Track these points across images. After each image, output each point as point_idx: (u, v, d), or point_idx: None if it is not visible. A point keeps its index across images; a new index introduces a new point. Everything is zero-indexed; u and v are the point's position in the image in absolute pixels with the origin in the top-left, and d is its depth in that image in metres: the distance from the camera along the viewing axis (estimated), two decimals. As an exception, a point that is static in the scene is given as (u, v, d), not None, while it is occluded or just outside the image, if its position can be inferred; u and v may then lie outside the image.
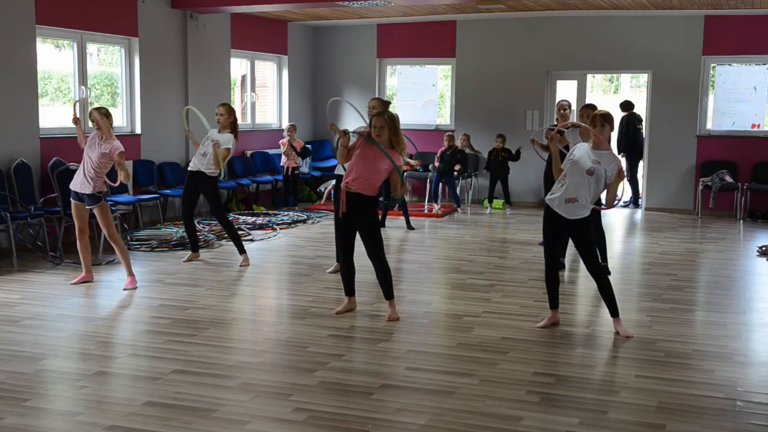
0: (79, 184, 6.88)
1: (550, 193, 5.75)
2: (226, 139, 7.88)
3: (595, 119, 5.71)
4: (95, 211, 6.92)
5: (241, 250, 8.02)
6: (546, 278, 5.84)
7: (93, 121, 6.84)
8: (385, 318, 5.97)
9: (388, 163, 5.75)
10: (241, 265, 7.92)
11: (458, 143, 12.17)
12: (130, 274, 7.02)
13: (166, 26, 10.57)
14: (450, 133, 12.17)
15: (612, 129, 5.80)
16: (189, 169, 8.03)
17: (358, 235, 6.01)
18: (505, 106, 12.81)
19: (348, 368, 4.92)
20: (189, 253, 8.24)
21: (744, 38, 11.62)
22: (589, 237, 5.64)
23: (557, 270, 5.88)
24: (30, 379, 4.67)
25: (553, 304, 5.86)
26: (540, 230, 8.61)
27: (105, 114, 6.83)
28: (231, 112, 7.97)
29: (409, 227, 10.24)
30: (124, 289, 6.90)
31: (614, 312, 5.64)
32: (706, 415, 4.20)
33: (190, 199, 8.10)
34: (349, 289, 6.16)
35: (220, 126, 7.95)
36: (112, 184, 7.05)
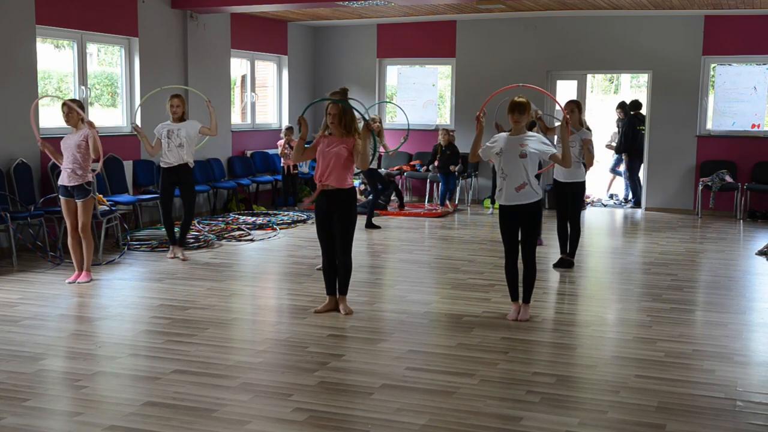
0: (67, 177, 7.09)
1: (497, 192, 5.95)
2: (195, 125, 8.18)
3: (511, 107, 6.04)
4: (79, 204, 7.10)
5: (182, 243, 8.27)
6: (506, 270, 6.03)
7: (70, 112, 7.09)
8: (342, 313, 6.09)
9: (346, 144, 5.92)
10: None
11: (442, 140, 11.96)
12: (88, 269, 7.20)
13: (166, 26, 10.56)
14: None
15: (528, 118, 6.09)
16: (167, 165, 8.08)
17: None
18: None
19: (348, 368, 4.92)
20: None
21: (744, 38, 11.62)
22: (538, 226, 5.98)
23: (516, 263, 6.00)
24: (30, 379, 4.67)
25: (515, 295, 6.05)
26: (541, 230, 8.65)
27: (80, 105, 7.26)
28: (184, 102, 8.26)
29: (370, 226, 10.23)
30: (74, 282, 7.08)
31: (527, 298, 6.02)
32: (706, 415, 4.20)
33: (171, 196, 8.28)
34: (331, 288, 6.21)
35: (175, 117, 8.09)
36: (96, 165, 7.25)
